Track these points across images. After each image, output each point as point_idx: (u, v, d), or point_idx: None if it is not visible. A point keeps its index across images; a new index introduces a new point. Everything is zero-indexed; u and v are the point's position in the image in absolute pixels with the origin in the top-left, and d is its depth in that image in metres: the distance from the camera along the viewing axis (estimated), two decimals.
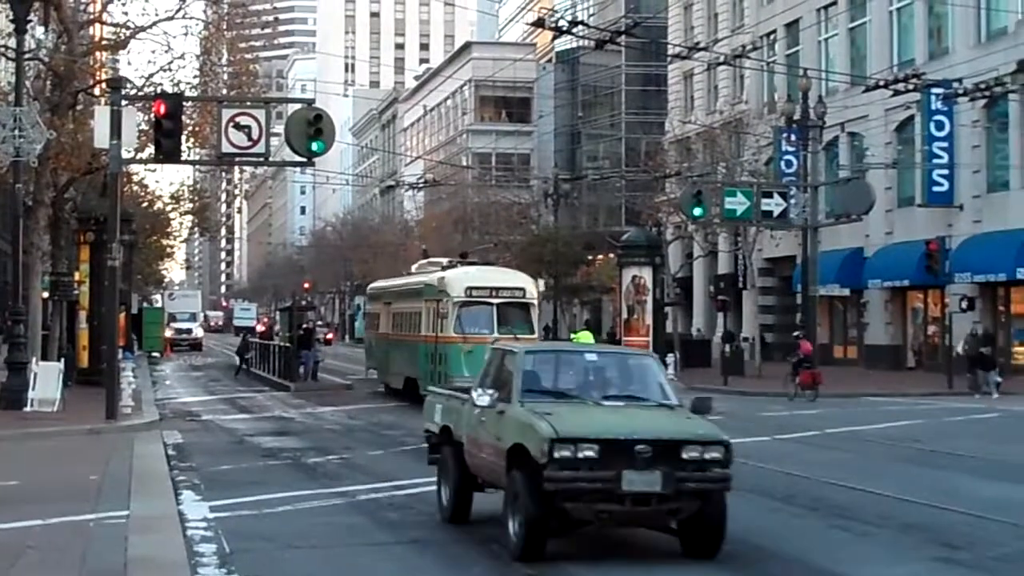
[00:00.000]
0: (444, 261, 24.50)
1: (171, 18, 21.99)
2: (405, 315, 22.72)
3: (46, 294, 22.64)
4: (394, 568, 7.18)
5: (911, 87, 25.41)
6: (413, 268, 27.24)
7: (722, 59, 30.98)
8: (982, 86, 24.13)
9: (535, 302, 20.34)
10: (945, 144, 28.52)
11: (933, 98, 26.67)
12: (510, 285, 20.22)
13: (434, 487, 8.94)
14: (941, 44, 30.52)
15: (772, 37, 37.99)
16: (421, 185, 45.13)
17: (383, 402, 24.73)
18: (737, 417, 17.53)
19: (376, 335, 26.27)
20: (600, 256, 43.45)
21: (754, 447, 13.12)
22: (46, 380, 18.61)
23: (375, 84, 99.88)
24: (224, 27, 24.33)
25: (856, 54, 34.72)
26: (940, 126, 28.48)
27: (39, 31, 22.65)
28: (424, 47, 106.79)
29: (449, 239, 43.98)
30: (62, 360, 20.17)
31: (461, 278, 19.99)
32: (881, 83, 26.34)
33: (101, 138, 17.46)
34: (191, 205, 35.14)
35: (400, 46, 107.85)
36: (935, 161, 28.44)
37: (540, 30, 44.34)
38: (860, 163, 30.27)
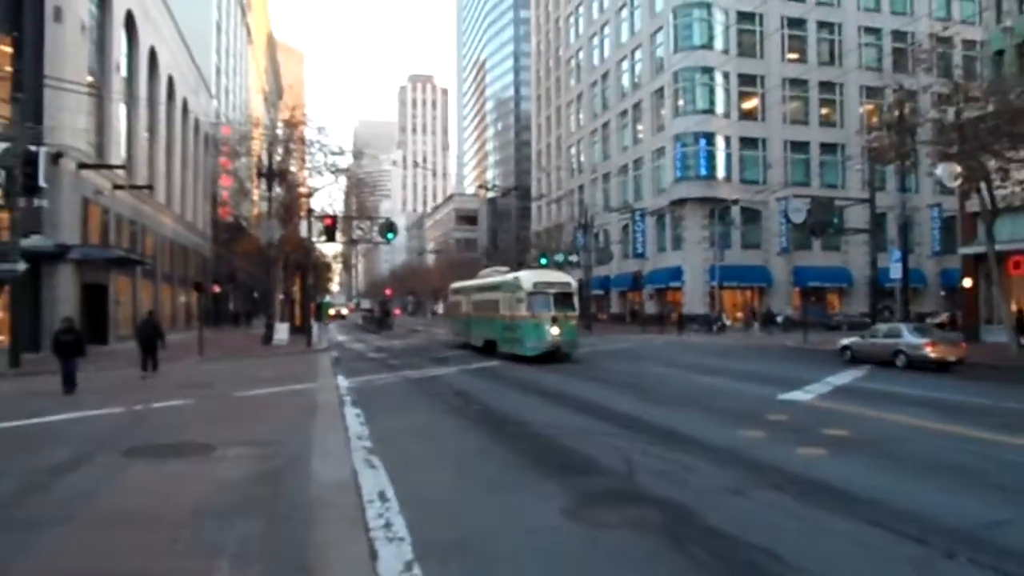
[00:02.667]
0: (504, 268, 34.14)
1: (331, 184, 48.39)
2: (485, 302, 28.92)
3: (281, 297, 49.61)
4: (423, 401, 15.11)
5: (627, 211, 57.57)
6: (480, 273, 35.26)
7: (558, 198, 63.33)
8: (655, 212, 56.45)
9: (576, 292, 26.20)
10: (640, 236, 55.16)
11: (638, 216, 58.64)
12: (561, 281, 25.74)
13: (434, 372, 21.35)
14: (642, 190, 61.99)
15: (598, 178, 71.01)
16: (435, 251, 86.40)
17: (444, 347, 35.38)
18: None
19: (459, 314, 34.04)
20: None
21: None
22: (281, 332, 34.86)
23: (414, 210, 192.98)
24: (353, 187, 52.60)
25: (624, 192, 65.64)
26: (639, 228, 57.17)
27: (276, 188, 42.69)
28: (435, 195, 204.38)
29: (446, 274, 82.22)
30: (287, 323, 38.74)
31: (530, 277, 25.71)
32: (618, 210, 58.65)
33: (303, 232, 38.65)
34: (341, 259, 64.49)
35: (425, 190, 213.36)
36: (637, 241, 59.21)
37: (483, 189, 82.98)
38: (609, 244, 61.73)
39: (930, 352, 22.11)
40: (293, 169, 41.16)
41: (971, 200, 30.26)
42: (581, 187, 67.94)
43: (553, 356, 24.51)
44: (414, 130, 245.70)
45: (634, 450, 10.07)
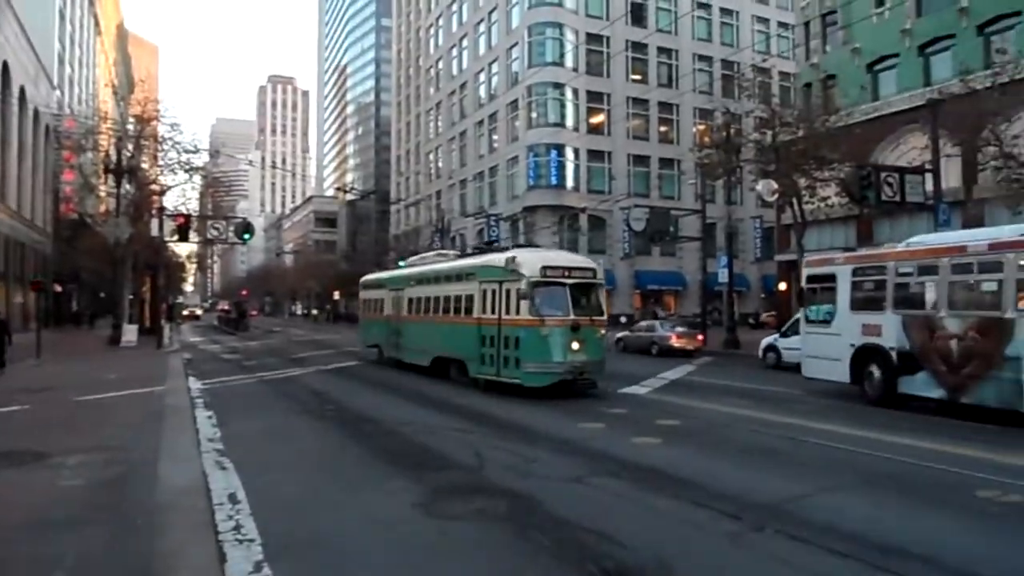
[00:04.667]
0: (452, 253, 24.97)
1: (185, 182, 45.97)
2: (438, 298, 19.13)
3: (131, 297, 46.17)
4: (278, 403, 14.66)
5: (482, 216, 58.19)
6: (415, 259, 25.79)
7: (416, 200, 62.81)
8: (509, 218, 57.37)
9: (603, 283, 16.67)
10: (495, 240, 60.37)
11: (493, 221, 59.36)
12: (581, 266, 16.18)
13: (290, 372, 21.15)
14: (496, 196, 62.50)
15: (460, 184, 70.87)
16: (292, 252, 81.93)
17: (301, 346, 38.72)
18: None
19: (379, 318, 24.14)
20: None
21: None
22: (130, 333, 32.41)
23: (272, 211, 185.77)
24: (209, 186, 49.79)
25: (480, 198, 66.33)
26: (494, 232, 60.05)
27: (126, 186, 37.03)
28: (294, 196, 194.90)
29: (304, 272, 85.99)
30: (136, 325, 35.68)
31: (535, 258, 15.88)
32: (474, 215, 59.18)
33: (154, 231, 34.66)
34: (195, 259, 60.18)
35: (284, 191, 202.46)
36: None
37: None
38: (465, 248, 62.23)
39: (674, 343, 27.33)
40: (144, 166, 38.49)
41: (785, 213, 32.86)
42: (439, 192, 68.02)
43: (570, 387, 15.23)
44: (273, 131, 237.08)
45: (485, 444, 10.23)
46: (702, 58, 55.33)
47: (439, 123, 70.41)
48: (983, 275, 12.45)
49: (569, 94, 51.38)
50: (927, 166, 22.42)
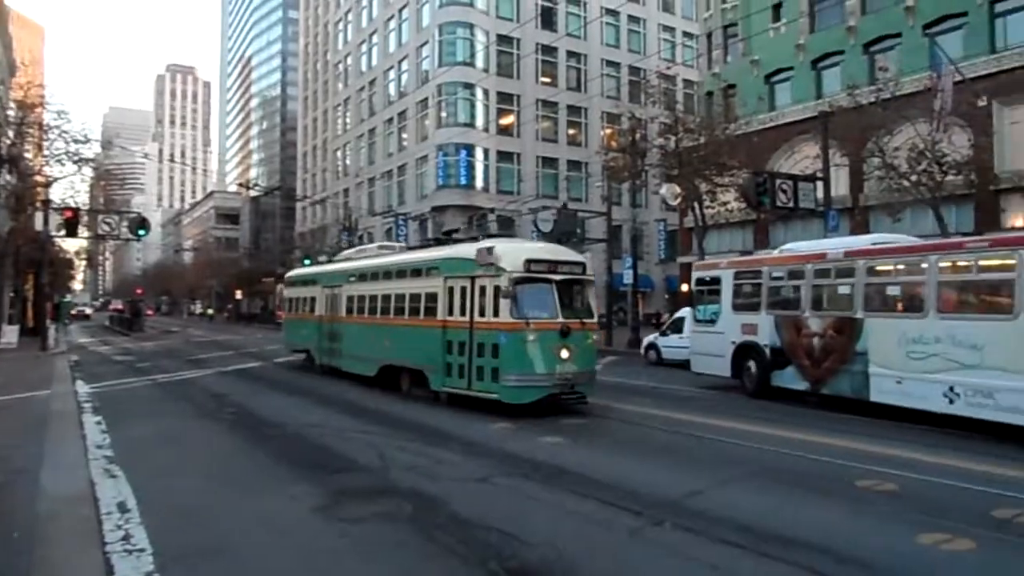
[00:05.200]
0: (396, 245, 23.83)
1: (74, 174, 43.52)
2: (391, 297, 16.43)
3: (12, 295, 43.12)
4: (173, 406, 14.12)
5: (391, 215, 57.62)
6: (349, 253, 22.66)
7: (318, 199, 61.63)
8: (418, 217, 57.03)
9: (594, 280, 14.29)
10: (404, 239, 57.96)
11: (402, 220, 58.86)
12: (570, 259, 13.85)
13: (188, 375, 20.26)
14: (405, 195, 62.75)
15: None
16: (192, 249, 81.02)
17: (198, 347, 36.17)
18: None
19: (310, 318, 21.29)
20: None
21: None
22: (9, 334, 30.39)
23: (170, 206, 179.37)
24: (100, 178, 47.04)
25: (389, 197, 65.25)
26: (402, 232, 59.27)
27: (6, 176, 36.75)
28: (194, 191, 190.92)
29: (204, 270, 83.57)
30: (18, 325, 33.86)
31: (517, 250, 13.51)
32: (382, 214, 58.51)
33: (39, 225, 31.12)
34: (85, 256, 56.08)
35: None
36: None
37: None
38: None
39: None
40: (28, 155, 36.13)
41: (688, 217, 33.97)
42: (346, 190, 66.81)
43: (555, 402, 12.90)
44: (172, 122, 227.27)
45: (391, 446, 10.13)
46: (610, 63, 56.45)
47: (347, 120, 69.19)
48: (839, 279, 13.86)
49: (479, 94, 51.46)
50: (818, 174, 23.62)
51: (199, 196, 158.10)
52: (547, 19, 53.93)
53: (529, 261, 13.01)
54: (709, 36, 40.11)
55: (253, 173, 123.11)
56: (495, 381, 12.68)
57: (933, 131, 20.59)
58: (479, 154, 51.49)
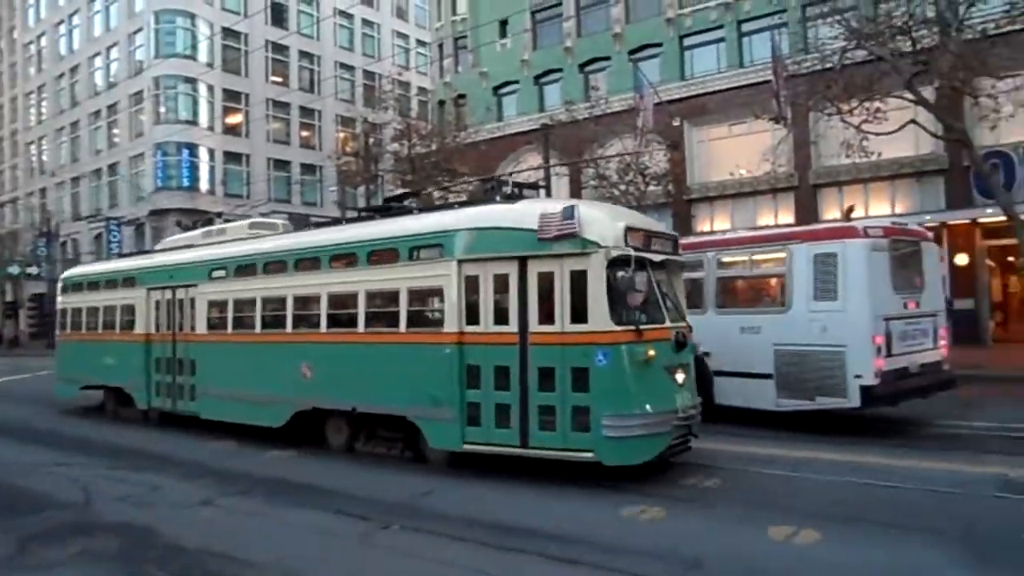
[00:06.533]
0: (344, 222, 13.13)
1: None
2: (318, 299, 10.53)
3: None
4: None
5: (100, 219, 51.90)
6: (190, 237, 15.49)
7: None
8: (133, 222, 51.93)
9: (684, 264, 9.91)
10: (117, 247, 49.99)
11: (114, 225, 53.21)
12: (662, 231, 9.52)
13: None
14: (118, 197, 57.12)
15: None
16: None
17: None
18: None
19: (126, 338, 14.27)
20: None
21: None
22: None
23: None
24: None
25: (98, 199, 59.25)
26: (115, 238, 51.36)
27: None
28: None
29: None
30: None
31: (609, 215, 8.77)
32: (89, 218, 52.44)
33: None
34: None
35: None
36: (113, 252, 54.42)
37: None
38: (79, 255, 54.93)
39: None
40: None
41: None
42: (44, 190, 58.75)
43: (664, 457, 8.44)
44: None
45: (95, 476, 9.14)
46: (344, 66, 55.83)
47: (43, 109, 61.02)
48: None
49: (203, 90, 48.16)
50: (541, 183, 25.37)
51: None
52: (277, 16, 51.99)
53: (629, 230, 8.37)
54: (441, 46, 41.30)
55: None
56: (583, 429, 7.88)
57: (637, 146, 23.10)
58: (203, 154, 48.16)
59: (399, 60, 54.83)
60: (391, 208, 11.44)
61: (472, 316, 8.65)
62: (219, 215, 46.35)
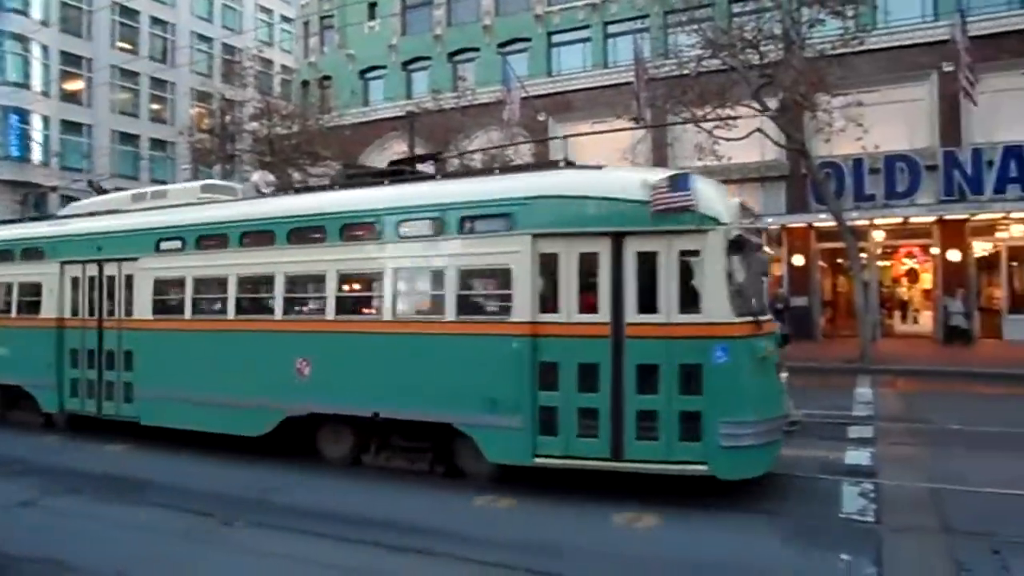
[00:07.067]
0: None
1: None
2: (322, 279, 8.56)
3: None
4: None
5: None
6: (119, 198, 12.10)
7: None
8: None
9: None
10: None
11: None
12: (751, 206, 8.17)
13: None
14: None
15: None
16: None
17: None
18: None
19: (35, 324, 11.44)
20: None
21: None
22: None
23: None
24: None
25: None
26: None
27: None
28: None
29: None
30: None
31: (715, 190, 7.35)
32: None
33: None
34: None
35: None
36: None
37: None
38: None
39: None
40: None
41: None
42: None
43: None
44: None
45: None
46: (202, 37, 52.80)
47: None
48: None
49: (36, 50, 44.12)
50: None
51: None
52: None
53: (744, 209, 7.46)
54: (306, 23, 39.94)
55: None
56: (692, 438, 6.79)
57: (503, 138, 23.30)
58: (36, 122, 44.19)
59: (261, 35, 52.58)
60: (403, 172, 9.43)
61: (548, 303, 7.22)
62: (53, 189, 43.03)
